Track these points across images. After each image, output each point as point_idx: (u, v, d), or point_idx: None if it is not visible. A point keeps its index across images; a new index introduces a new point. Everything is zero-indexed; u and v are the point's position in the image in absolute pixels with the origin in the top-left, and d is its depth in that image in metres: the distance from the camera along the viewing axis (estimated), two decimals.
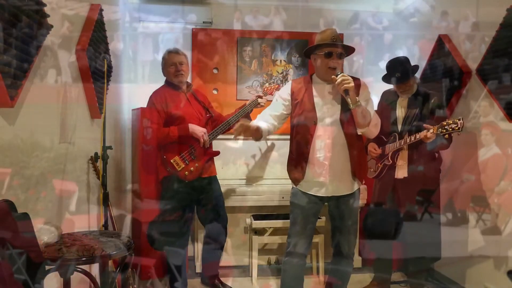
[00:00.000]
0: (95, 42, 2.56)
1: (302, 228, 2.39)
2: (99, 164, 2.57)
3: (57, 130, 2.15)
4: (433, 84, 3.33)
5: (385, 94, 3.02)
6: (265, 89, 3.08)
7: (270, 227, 3.24)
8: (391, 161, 2.83)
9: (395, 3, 3.92)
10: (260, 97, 2.96)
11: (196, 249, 3.42)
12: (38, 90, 1.88)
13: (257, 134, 2.29)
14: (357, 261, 3.55)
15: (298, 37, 3.96)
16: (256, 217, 3.29)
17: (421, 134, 2.58)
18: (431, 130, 2.52)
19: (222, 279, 3.19)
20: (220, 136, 2.93)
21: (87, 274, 1.84)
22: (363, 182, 2.54)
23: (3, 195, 1.59)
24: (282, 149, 3.54)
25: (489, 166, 2.90)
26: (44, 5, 1.82)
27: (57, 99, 2.16)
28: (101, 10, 2.69)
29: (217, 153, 2.92)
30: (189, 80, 3.83)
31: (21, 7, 1.65)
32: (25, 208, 1.69)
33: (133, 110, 3.55)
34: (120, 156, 3.51)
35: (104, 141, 2.53)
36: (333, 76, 2.23)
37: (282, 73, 3.98)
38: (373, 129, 2.39)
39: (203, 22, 3.83)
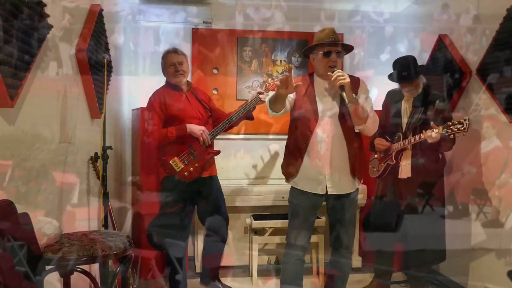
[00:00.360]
0: (95, 42, 2.56)
1: (300, 224, 2.39)
2: (99, 164, 2.57)
3: (57, 130, 2.15)
4: (433, 84, 3.33)
5: (391, 94, 3.00)
6: (267, 85, 3.03)
7: (270, 227, 3.24)
8: (394, 161, 2.81)
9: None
10: (261, 93, 2.92)
11: (196, 249, 3.42)
12: (38, 90, 1.88)
13: (292, 91, 2.21)
14: (357, 261, 3.55)
15: (298, 37, 3.96)
16: (256, 217, 3.29)
17: (426, 134, 2.56)
18: (436, 131, 2.50)
19: (222, 279, 3.19)
20: (219, 136, 2.91)
21: (87, 274, 1.84)
22: (362, 181, 2.52)
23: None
24: (282, 148, 3.53)
25: (490, 159, 2.90)
26: (44, 5, 1.82)
27: (57, 99, 2.16)
28: (101, 10, 2.69)
29: (218, 152, 2.90)
30: (189, 79, 3.86)
31: (21, 7, 1.65)
32: (27, 205, 1.69)
33: (133, 110, 3.55)
34: (120, 156, 3.51)
35: (104, 141, 2.53)
36: (329, 73, 2.23)
37: (282, 73, 3.98)
38: (370, 126, 2.38)
39: (203, 22, 3.84)
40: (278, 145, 3.61)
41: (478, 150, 3.00)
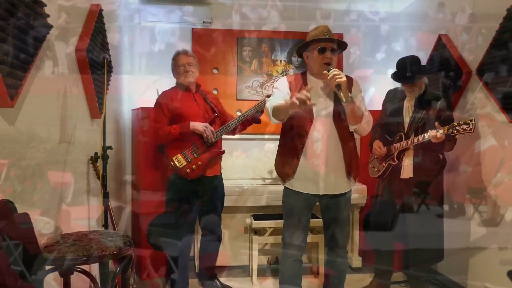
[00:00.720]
0: (95, 42, 2.57)
1: (296, 224, 2.37)
2: (99, 164, 2.57)
3: (57, 130, 2.15)
4: (433, 83, 3.33)
5: (391, 93, 2.99)
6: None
7: (270, 227, 3.24)
8: (396, 161, 2.81)
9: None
10: (270, 96, 2.95)
11: (196, 249, 3.42)
12: (38, 90, 1.88)
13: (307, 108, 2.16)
14: (357, 261, 3.55)
15: (298, 37, 3.96)
16: (256, 217, 3.29)
17: (430, 134, 2.55)
18: (441, 131, 2.50)
19: (222, 279, 3.19)
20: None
21: (87, 273, 1.84)
22: (356, 181, 2.49)
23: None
24: None
25: (485, 158, 2.90)
26: (44, 5, 1.82)
27: (57, 99, 2.17)
28: (101, 10, 2.69)
29: (222, 152, 2.91)
30: None
31: (21, 7, 1.65)
32: (27, 205, 1.69)
33: (133, 110, 3.55)
34: (120, 156, 3.51)
35: (104, 141, 2.53)
36: (325, 71, 2.20)
37: (282, 73, 3.99)
38: (365, 126, 2.36)
39: (203, 22, 3.84)
40: (274, 145, 3.60)
41: (473, 149, 3.01)
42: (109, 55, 2.72)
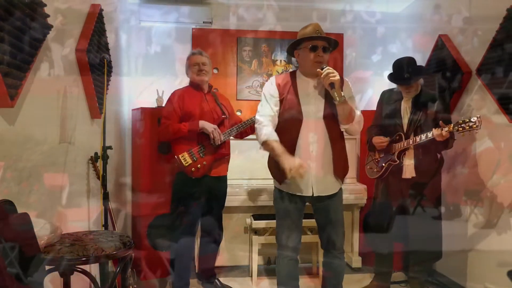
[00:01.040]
0: (95, 42, 2.57)
1: (289, 225, 2.35)
2: (99, 164, 2.57)
3: (57, 130, 2.15)
4: (432, 84, 3.33)
5: (386, 94, 3.00)
6: None
7: (270, 227, 3.24)
8: (397, 161, 2.82)
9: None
10: None
11: (196, 249, 3.42)
12: (38, 90, 1.88)
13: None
14: (357, 261, 3.55)
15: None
16: (256, 217, 3.29)
17: (435, 133, 2.56)
18: (446, 129, 2.51)
19: (222, 279, 3.19)
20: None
21: (87, 274, 1.84)
22: (342, 182, 2.43)
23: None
24: None
25: (482, 160, 2.91)
26: (44, 5, 1.82)
27: (57, 99, 2.17)
28: (101, 10, 2.69)
29: (227, 154, 2.93)
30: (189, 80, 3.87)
31: (21, 7, 1.65)
32: (27, 205, 1.69)
33: (133, 110, 3.56)
34: (120, 156, 3.51)
35: (104, 141, 2.53)
36: (318, 70, 2.18)
37: (282, 73, 3.98)
38: (356, 126, 2.34)
39: (203, 22, 3.83)
40: None
41: (470, 151, 3.03)
42: (109, 55, 2.72)
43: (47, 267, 1.65)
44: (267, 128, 2.26)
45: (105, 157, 2.56)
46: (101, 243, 1.80)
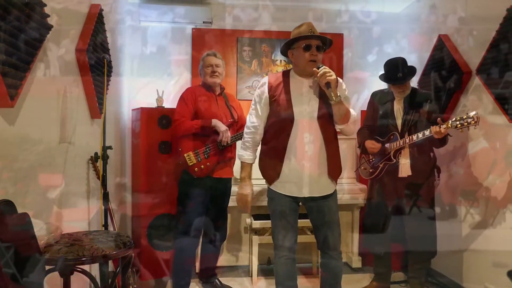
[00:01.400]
0: (95, 42, 2.56)
1: (284, 226, 2.33)
2: (99, 164, 2.57)
3: (57, 130, 2.15)
4: (432, 84, 3.33)
5: (378, 95, 3.03)
6: None
7: (270, 227, 3.23)
8: (394, 160, 2.83)
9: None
10: None
11: (198, 249, 3.42)
12: (38, 90, 1.88)
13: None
14: (357, 261, 3.55)
15: None
16: (256, 217, 3.29)
17: (433, 130, 2.57)
18: (444, 126, 2.52)
19: (222, 279, 3.19)
20: None
21: (87, 274, 1.84)
22: (336, 183, 2.42)
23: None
24: None
25: (477, 160, 2.91)
26: (44, 5, 1.82)
27: (57, 99, 2.16)
28: (101, 10, 2.69)
29: (232, 157, 2.95)
30: (189, 80, 3.87)
31: (21, 7, 1.65)
32: (27, 205, 1.69)
33: (133, 110, 3.55)
34: (120, 156, 3.51)
35: (104, 141, 2.53)
36: (314, 68, 2.17)
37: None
38: (351, 126, 2.34)
39: (203, 22, 3.83)
40: None
41: (465, 151, 3.04)
42: (109, 55, 2.72)
43: (47, 267, 1.65)
44: (243, 150, 2.43)
45: (105, 157, 2.56)
46: (101, 243, 1.80)
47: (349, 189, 3.46)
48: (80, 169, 2.50)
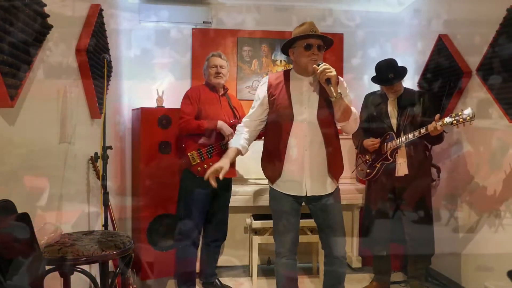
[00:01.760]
0: (95, 42, 2.56)
1: (285, 225, 2.33)
2: (99, 164, 2.57)
3: (57, 130, 2.15)
4: (432, 84, 3.34)
5: (371, 97, 3.06)
6: None
7: (270, 227, 3.24)
8: (391, 159, 2.84)
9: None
10: None
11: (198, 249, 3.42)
12: (38, 90, 1.88)
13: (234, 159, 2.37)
14: (357, 261, 3.55)
15: None
16: (256, 217, 3.29)
17: (430, 127, 2.58)
18: (440, 123, 2.53)
19: (222, 279, 3.19)
20: None
21: (87, 274, 1.84)
22: (338, 182, 2.41)
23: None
24: None
25: (477, 160, 2.92)
26: (44, 5, 1.82)
27: (57, 99, 2.16)
28: (101, 10, 2.69)
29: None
30: (189, 80, 3.87)
31: (21, 7, 1.65)
32: (26, 205, 1.69)
33: (133, 110, 3.56)
34: (120, 156, 3.51)
35: (104, 141, 2.52)
36: (314, 66, 2.16)
37: None
38: (352, 123, 2.32)
39: (203, 22, 3.83)
40: None
41: (449, 155, 3.07)
42: (109, 55, 2.72)
43: (47, 267, 1.65)
44: (236, 136, 2.41)
45: (105, 157, 2.56)
46: (101, 243, 1.80)
47: (349, 189, 3.46)
48: (80, 169, 2.50)
